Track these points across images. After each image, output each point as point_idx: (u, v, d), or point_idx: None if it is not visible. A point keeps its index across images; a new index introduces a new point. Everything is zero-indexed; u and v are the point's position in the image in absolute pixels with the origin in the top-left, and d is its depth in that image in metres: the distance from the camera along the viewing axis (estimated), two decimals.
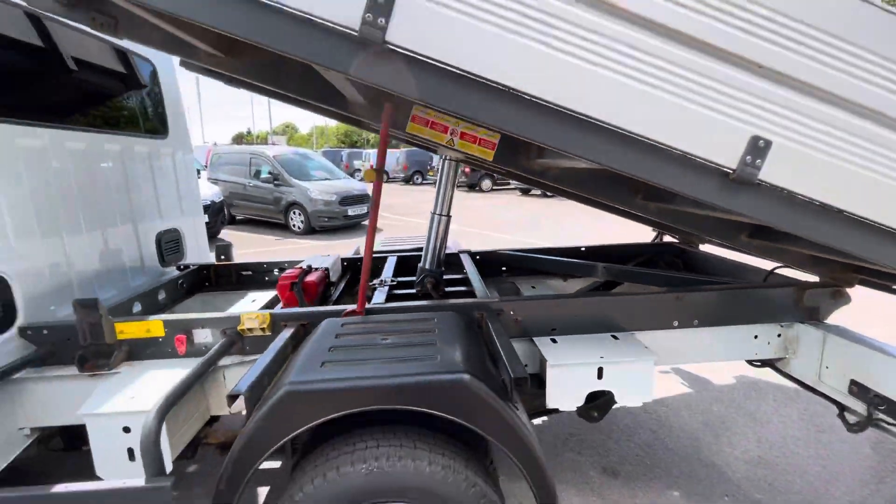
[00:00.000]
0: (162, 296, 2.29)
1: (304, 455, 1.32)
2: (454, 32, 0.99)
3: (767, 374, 2.90)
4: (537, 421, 2.75)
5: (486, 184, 18.64)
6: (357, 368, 1.26)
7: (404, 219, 10.38)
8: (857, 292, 1.90)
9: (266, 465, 1.25)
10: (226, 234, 8.67)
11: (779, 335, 1.97)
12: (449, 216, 2.27)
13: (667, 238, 3.00)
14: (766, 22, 1.00)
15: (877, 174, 1.09)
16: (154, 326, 1.70)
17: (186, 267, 2.65)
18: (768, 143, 1.06)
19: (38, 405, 1.66)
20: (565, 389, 1.63)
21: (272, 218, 9.63)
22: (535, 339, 1.77)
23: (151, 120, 2.65)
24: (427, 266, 2.26)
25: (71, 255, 1.93)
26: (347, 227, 9.45)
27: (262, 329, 1.67)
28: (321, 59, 1.05)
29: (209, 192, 7.99)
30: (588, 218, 7.92)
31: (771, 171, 1.07)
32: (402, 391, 1.18)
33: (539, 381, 1.70)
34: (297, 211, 9.13)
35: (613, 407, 1.73)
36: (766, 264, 2.10)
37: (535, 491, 1.27)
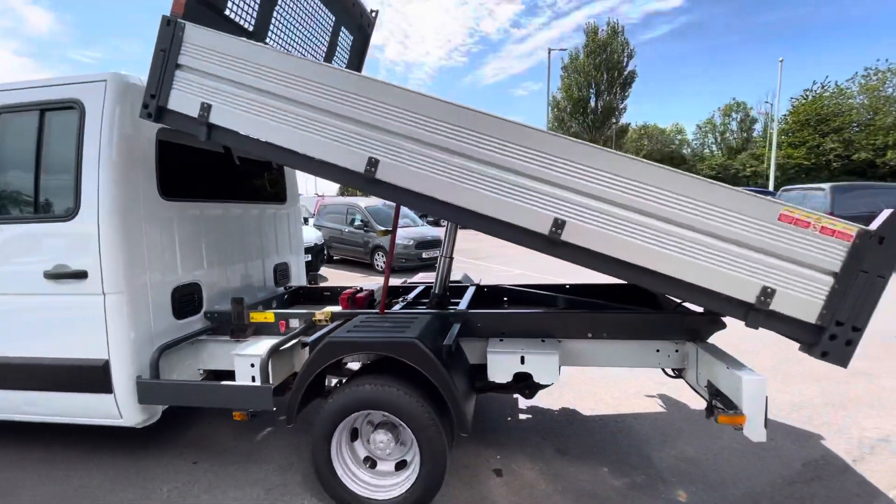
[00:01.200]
0: (274, 304, 3.65)
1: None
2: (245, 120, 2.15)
3: None
4: (524, 417, 3.58)
5: None
6: (365, 333, 2.38)
7: (475, 262, 11.55)
8: None
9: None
10: (324, 270, 10.56)
11: (676, 350, 2.69)
12: (452, 257, 3.35)
13: None
14: (552, 158, 2.00)
15: (631, 237, 1.98)
16: (269, 316, 2.99)
17: (290, 287, 4.04)
18: (564, 221, 2.02)
19: (208, 356, 3.01)
20: (499, 368, 2.55)
21: (361, 259, 11.42)
22: (489, 339, 2.72)
23: (277, 192, 4.17)
24: (436, 291, 3.36)
25: (229, 275, 3.37)
26: (423, 266, 10.81)
27: (326, 320, 2.87)
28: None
29: (313, 235, 9.94)
30: None
31: (568, 236, 2.03)
32: (382, 344, 2.27)
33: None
34: (380, 253, 10.80)
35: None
36: None
37: (453, 414, 2.24)
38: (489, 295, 3.68)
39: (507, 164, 2.05)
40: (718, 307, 2.01)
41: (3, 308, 2.64)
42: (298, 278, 4.35)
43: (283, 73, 2.20)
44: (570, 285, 3.76)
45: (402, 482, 2.38)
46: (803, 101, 31.95)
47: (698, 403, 3.72)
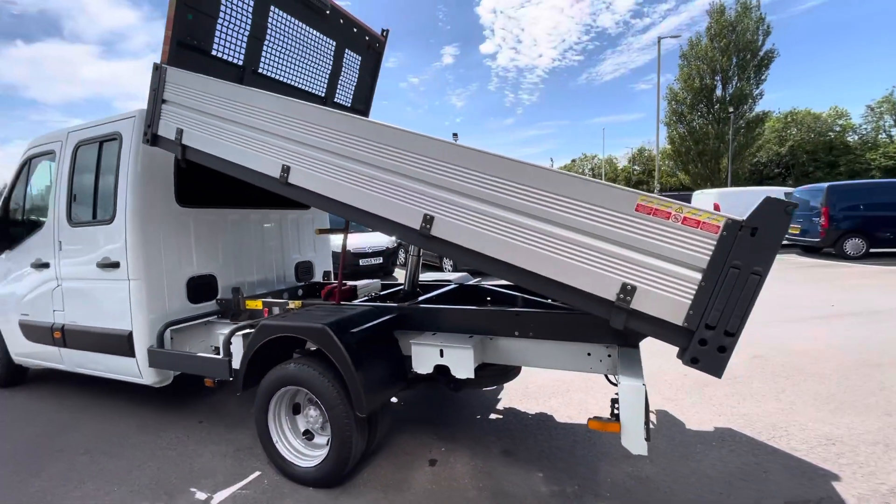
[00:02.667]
0: (285, 296, 4.21)
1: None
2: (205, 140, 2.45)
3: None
4: (494, 416, 3.57)
5: None
6: (294, 320, 2.71)
7: None
8: None
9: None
10: (398, 272, 11.29)
11: (609, 355, 2.51)
12: (420, 256, 3.53)
13: None
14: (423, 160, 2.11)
15: (490, 231, 1.99)
16: (258, 304, 3.51)
17: (308, 282, 4.58)
18: (432, 217, 2.10)
19: (216, 334, 3.65)
20: (421, 360, 2.67)
21: (431, 261, 11.92)
22: (423, 331, 2.85)
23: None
24: (405, 288, 3.56)
25: (246, 270, 4.00)
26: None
27: (296, 309, 3.28)
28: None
29: (385, 240, 10.70)
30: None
31: (438, 232, 2.11)
32: (298, 328, 2.58)
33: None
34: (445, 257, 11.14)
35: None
36: None
37: (351, 395, 2.43)
38: (470, 294, 3.75)
39: (380, 164, 2.22)
40: (583, 305, 1.89)
41: (75, 289, 3.58)
42: (327, 276, 4.89)
43: (233, 102, 2.66)
44: None
45: (320, 455, 2.65)
46: None
47: (695, 423, 3.32)
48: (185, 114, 2.82)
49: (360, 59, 4.50)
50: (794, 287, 8.47)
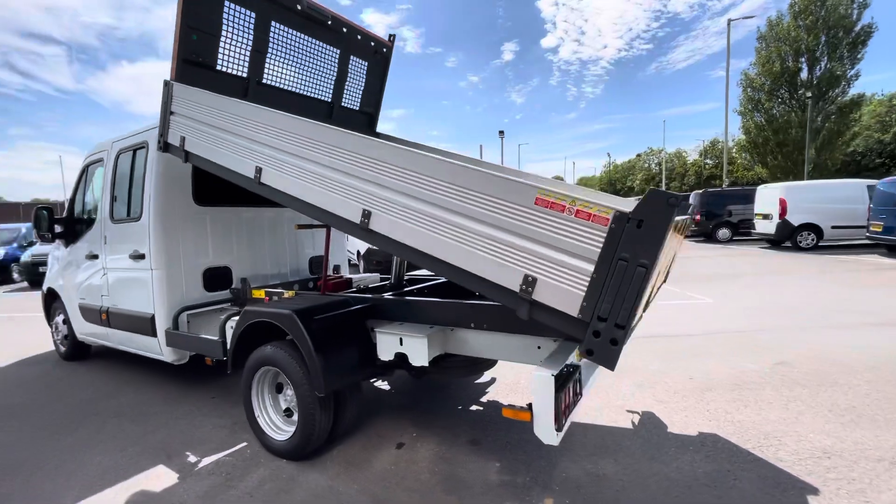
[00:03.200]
0: (295, 287, 4.56)
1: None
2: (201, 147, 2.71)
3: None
4: (475, 408, 3.64)
5: (724, 233, 16.22)
6: (273, 307, 2.98)
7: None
8: None
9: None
10: None
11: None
12: None
13: None
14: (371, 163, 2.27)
15: (412, 224, 2.11)
16: (261, 293, 3.87)
17: (319, 276, 4.92)
18: (370, 212, 2.26)
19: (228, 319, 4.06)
20: (384, 347, 2.83)
21: None
22: (389, 321, 3.00)
23: None
24: (392, 281, 3.75)
25: (260, 262, 4.39)
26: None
27: (290, 297, 3.58)
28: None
29: None
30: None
31: (374, 225, 2.26)
32: (271, 314, 2.85)
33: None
34: None
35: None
36: None
37: (311, 375, 2.65)
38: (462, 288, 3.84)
39: (327, 163, 2.41)
40: (495, 296, 1.96)
41: (116, 277, 4.15)
42: (344, 270, 5.21)
43: (219, 111, 2.99)
44: None
45: (292, 430, 2.90)
46: None
47: (680, 426, 3.19)
48: (187, 123, 3.20)
49: (366, 64, 4.75)
50: (855, 291, 7.59)
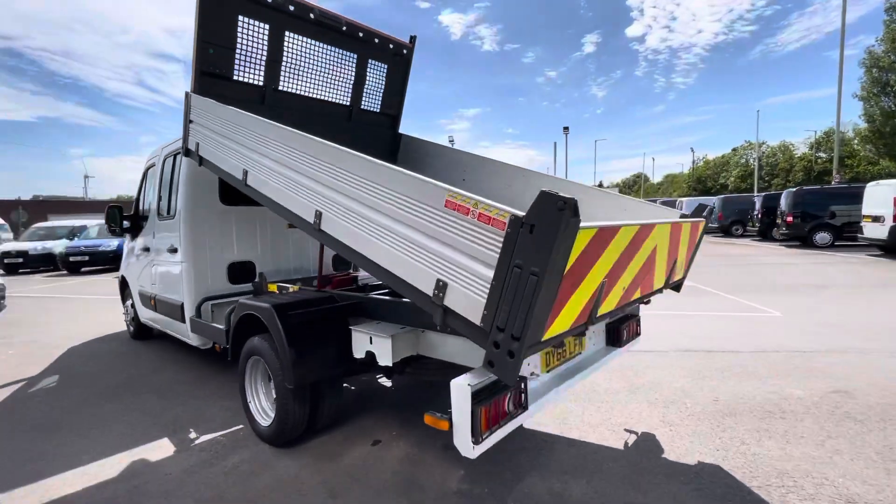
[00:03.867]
0: (314, 283, 4.80)
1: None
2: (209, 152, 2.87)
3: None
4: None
5: (822, 237, 14.14)
6: (261, 301, 3.17)
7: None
8: None
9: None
10: None
11: None
12: None
13: None
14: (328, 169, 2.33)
15: (353, 226, 2.12)
16: (274, 287, 4.13)
17: (340, 272, 5.13)
18: (321, 213, 2.32)
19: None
20: (357, 345, 2.89)
21: None
22: (369, 320, 3.05)
23: None
24: None
25: (283, 258, 4.69)
26: None
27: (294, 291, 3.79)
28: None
29: None
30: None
31: (325, 227, 2.31)
32: (254, 307, 3.03)
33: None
34: None
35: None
36: None
37: (283, 367, 2.77)
38: None
39: (291, 165, 2.51)
40: (416, 300, 1.91)
41: (160, 268, 4.67)
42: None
43: (217, 117, 3.25)
44: None
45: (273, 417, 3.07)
46: None
47: (679, 453, 2.88)
48: (201, 130, 3.51)
49: (385, 67, 4.84)
50: None
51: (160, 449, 3.10)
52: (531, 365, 2.37)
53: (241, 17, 3.69)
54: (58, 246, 15.10)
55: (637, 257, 2.16)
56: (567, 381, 2.59)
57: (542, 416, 3.44)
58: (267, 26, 3.86)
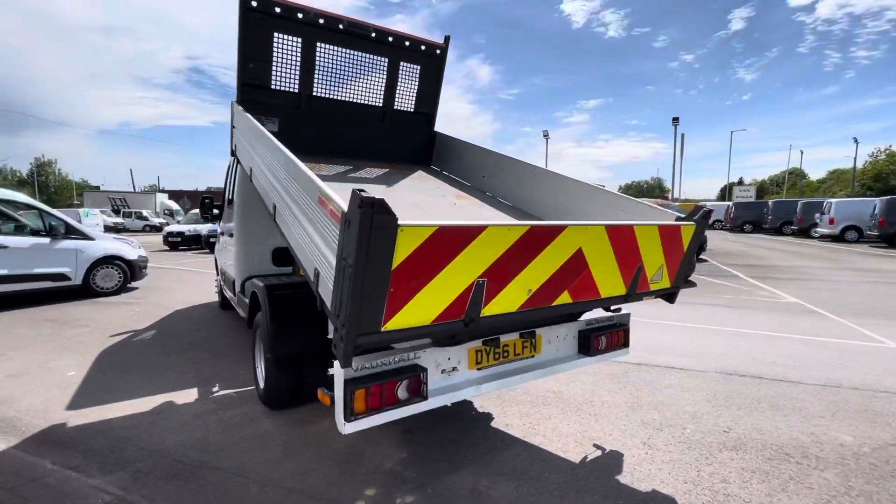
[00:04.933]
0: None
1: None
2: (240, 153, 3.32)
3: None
4: (455, 408, 3.66)
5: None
6: (265, 281, 3.65)
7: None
8: None
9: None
10: None
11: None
12: None
13: None
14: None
15: (290, 223, 2.40)
16: (302, 271, 4.66)
17: None
18: (276, 206, 2.64)
19: None
20: (330, 326, 3.20)
21: None
22: None
23: None
24: None
25: None
26: None
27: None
28: None
29: None
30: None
31: (278, 218, 2.64)
32: (255, 286, 3.51)
33: None
34: None
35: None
36: None
37: (267, 335, 3.19)
38: None
39: (268, 165, 2.88)
40: (312, 287, 2.11)
41: (227, 250, 5.56)
42: None
43: (242, 126, 3.81)
44: None
45: None
46: None
47: (640, 479, 2.66)
48: (237, 134, 4.13)
49: (418, 68, 5.06)
50: None
51: (187, 395, 3.79)
52: (452, 359, 2.42)
53: (276, 34, 4.22)
54: (203, 228, 18.34)
55: (545, 259, 2.07)
56: (501, 380, 2.56)
57: (512, 418, 3.39)
58: (299, 40, 4.35)
